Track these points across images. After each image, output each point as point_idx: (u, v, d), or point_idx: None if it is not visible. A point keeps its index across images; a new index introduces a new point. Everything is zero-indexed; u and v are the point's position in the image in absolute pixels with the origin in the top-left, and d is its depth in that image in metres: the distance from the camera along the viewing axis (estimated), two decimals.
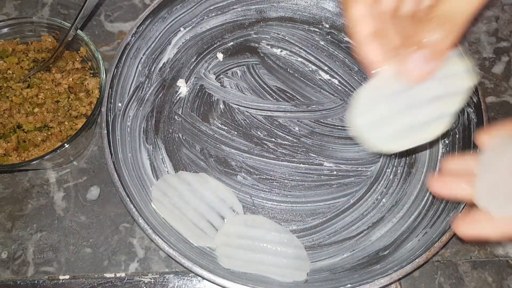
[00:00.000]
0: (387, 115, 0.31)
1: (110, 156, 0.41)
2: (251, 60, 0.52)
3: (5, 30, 0.47)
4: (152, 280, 0.43)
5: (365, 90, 0.31)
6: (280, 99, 0.50)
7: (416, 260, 0.38)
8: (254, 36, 0.53)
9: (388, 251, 0.42)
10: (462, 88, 0.30)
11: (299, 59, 0.52)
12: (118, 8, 0.56)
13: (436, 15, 0.28)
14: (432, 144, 0.47)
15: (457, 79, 0.30)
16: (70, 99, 0.45)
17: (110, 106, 0.44)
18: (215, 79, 0.51)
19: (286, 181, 0.46)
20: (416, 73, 0.29)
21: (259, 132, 0.48)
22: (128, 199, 0.39)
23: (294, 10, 0.54)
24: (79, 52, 0.47)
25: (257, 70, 0.51)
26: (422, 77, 0.29)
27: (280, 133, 0.48)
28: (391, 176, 0.46)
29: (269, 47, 0.52)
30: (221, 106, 0.49)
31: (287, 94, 0.50)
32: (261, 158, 0.47)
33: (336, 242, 0.44)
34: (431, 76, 0.30)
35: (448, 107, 0.30)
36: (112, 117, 0.44)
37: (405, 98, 0.30)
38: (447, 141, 0.47)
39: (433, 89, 0.30)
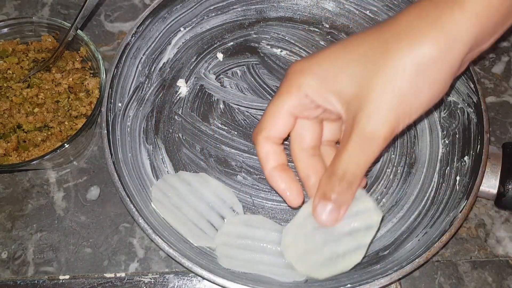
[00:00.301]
0: (311, 248, 0.36)
1: (110, 156, 0.41)
2: (251, 60, 0.52)
3: (5, 30, 0.47)
4: (152, 280, 0.43)
5: (291, 225, 0.37)
6: None
7: (416, 260, 0.38)
8: (254, 36, 0.53)
9: (388, 251, 0.42)
10: (371, 222, 0.35)
11: (299, 59, 0.52)
12: (118, 8, 0.56)
13: (333, 174, 0.32)
14: (432, 144, 0.47)
15: (366, 214, 0.35)
16: (70, 99, 0.45)
17: (110, 106, 0.44)
18: (215, 79, 0.51)
19: None
20: (323, 220, 0.34)
21: None
22: (128, 199, 0.39)
23: (294, 10, 0.54)
24: (79, 52, 0.47)
25: (257, 70, 0.51)
26: (328, 223, 0.34)
27: None
28: (391, 176, 0.46)
29: (269, 47, 0.52)
30: (221, 106, 0.49)
31: None
32: None
33: None
34: (338, 221, 0.34)
35: (362, 239, 0.35)
36: (112, 117, 0.44)
37: (324, 233, 0.35)
38: (447, 141, 0.47)
39: (347, 225, 0.35)
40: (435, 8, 0.30)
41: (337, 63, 0.32)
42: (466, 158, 0.44)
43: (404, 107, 0.30)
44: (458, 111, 0.46)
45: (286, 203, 0.38)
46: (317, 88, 0.33)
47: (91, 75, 0.47)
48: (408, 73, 0.29)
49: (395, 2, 0.50)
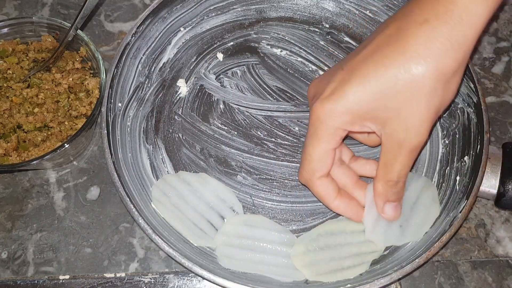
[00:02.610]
0: (319, 259, 0.41)
1: (110, 156, 0.41)
2: (251, 60, 0.52)
3: (5, 30, 0.47)
4: (152, 280, 0.43)
5: (306, 236, 0.42)
6: (280, 99, 0.50)
7: (416, 260, 0.38)
8: (254, 36, 0.53)
9: (388, 251, 0.42)
10: (376, 248, 0.41)
11: (299, 59, 0.52)
12: (118, 8, 0.56)
13: (389, 181, 0.38)
14: (431, 144, 0.47)
15: (373, 243, 0.41)
16: (70, 99, 0.45)
17: (110, 106, 0.44)
18: (215, 79, 0.51)
19: (286, 181, 0.46)
20: (392, 216, 0.40)
21: (259, 132, 0.48)
22: (128, 199, 0.39)
23: (294, 10, 0.54)
24: (79, 52, 0.47)
25: (257, 70, 0.51)
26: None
27: (280, 133, 0.48)
28: None
29: (269, 47, 0.52)
30: (221, 106, 0.49)
31: (287, 94, 0.50)
32: (261, 158, 0.47)
33: None
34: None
35: (366, 258, 0.41)
36: (112, 117, 0.44)
37: (334, 250, 0.41)
38: (447, 141, 0.47)
39: (356, 248, 0.41)
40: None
41: (360, 94, 0.35)
42: (466, 158, 0.44)
43: (437, 113, 0.35)
44: (458, 111, 0.46)
45: (349, 217, 0.41)
46: (352, 122, 0.36)
47: (91, 75, 0.47)
48: (433, 90, 0.34)
49: (395, 2, 0.50)
